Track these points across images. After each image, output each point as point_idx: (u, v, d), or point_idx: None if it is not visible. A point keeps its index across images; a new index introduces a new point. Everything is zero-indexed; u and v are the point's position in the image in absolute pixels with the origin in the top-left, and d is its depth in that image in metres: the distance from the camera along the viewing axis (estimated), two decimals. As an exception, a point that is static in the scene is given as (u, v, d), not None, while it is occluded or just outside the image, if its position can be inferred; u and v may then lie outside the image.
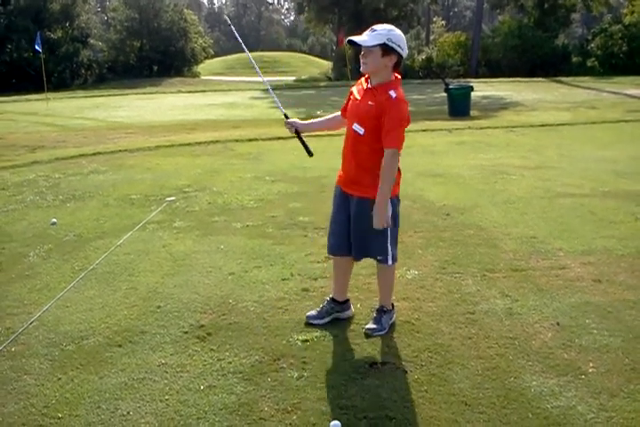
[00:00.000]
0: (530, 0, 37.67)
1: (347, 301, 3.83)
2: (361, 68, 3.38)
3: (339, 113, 3.74)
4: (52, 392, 3.10)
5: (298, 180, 7.73)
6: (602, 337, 3.52)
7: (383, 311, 3.71)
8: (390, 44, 3.24)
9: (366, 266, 4.66)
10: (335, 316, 3.75)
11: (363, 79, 3.52)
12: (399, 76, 3.39)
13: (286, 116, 3.88)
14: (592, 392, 2.97)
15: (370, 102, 3.34)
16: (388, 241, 3.55)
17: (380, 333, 3.59)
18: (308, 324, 3.69)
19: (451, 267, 4.67)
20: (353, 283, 4.30)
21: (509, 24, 35.89)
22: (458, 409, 2.85)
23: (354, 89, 3.57)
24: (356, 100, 3.48)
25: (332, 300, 3.78)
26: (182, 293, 4.27)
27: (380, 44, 3.23)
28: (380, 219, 3.34)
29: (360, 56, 3.35)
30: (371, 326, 3.63)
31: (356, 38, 3.29)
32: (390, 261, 3.60)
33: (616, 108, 15.90)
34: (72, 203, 7.02)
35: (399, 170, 3.43)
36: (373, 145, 3.34)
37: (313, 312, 3.75)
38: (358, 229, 3.52)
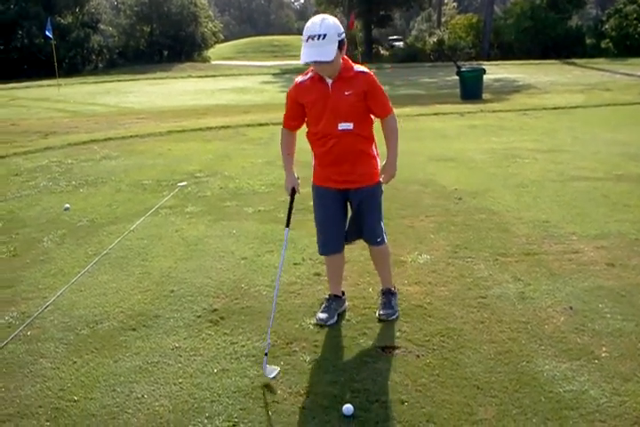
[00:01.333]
0: (543, -20, 37.07)
1: (343, 293, 3.81)
2: (323, 74, 3.22)
3: (288, 131, 3.52)
4: (67, 375, 3.14)
5: (308, 164, 7.62)
6: (615, 321, 3.50)
7: (391, 293, 3.73)
8: (341, 36, 3.15)
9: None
10: (339, 311, 3.71)
11: (307, 78, 3.32)
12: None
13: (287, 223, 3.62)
14: (605, 377, 2.97)
15: (346, 92, 3.24)
16: (382, 222, 3.63)
17: (394, 316, 3.60)
18: (323, 326, 3.53)
19: (462, 251, 4.66)
20: (363, 267, 4.33)
21: (522, 5, 35.36)
22: (470, 393, 2.86)
23: (297, 95, 3.34)
24: (322, 100, 3.26)
25: (335, 296, 3.73)
26: (195, 277, 4.29)
27: (337, 46, 3.12)
28: (392, 176, 3.46)
29: (316, 66, 3.19)
30: (385, 311, 3.63)
31: (317, 57, 3.07)
32: (386, 240, 3.67)
33: (630, 90, 15.69)
34: (85, 188, 7.06)
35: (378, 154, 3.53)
36: (362, 133, 3.36)
37: (323, 315, 3.57)
38: (367, 215, 3.52)
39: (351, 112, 3.27)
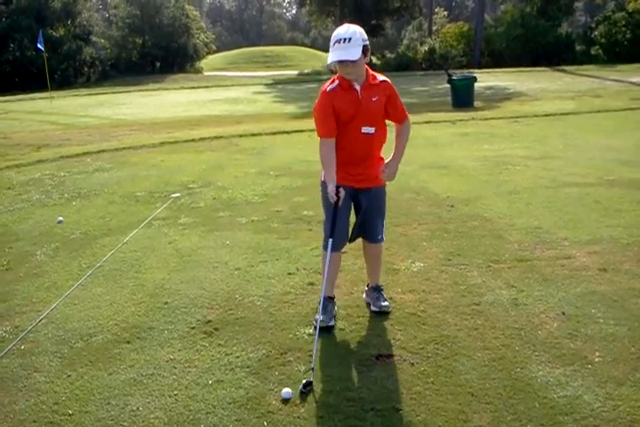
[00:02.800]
0: (532, -12, 37.39)
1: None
2: (348, 78, 3.40)
3: (332, 142, 3.52)
4: (62, 389, 3.13)
5: (302, 174, 7.72)
6: (608, 326, 3.52)
7: (381, 289, 3.89)
8: (366, 42, 3.36)
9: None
10: (334, 313, 3.77)
11: (335, 86, 3.44)
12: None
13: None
14: (598, 381, 2.98)
15: (373, 98, 3.45)
16: (385, 221, 3.89)
17: (391, 307, 3.78)
18: (322, 327, 3.50)
19: (456, 258, 4.68)
20: (357, 276, 4.35)
21: (512, 13, 35.67)
22: (464, 400, 2.87)
23: (332, 102, 3.44)
24: (354, 106, 3.42)
25: (331, 298, 3.78)
26: (189, 288, 4.29)
27: (361, 50, 3.32)
28: (393, 174, 3.62)
29: (342, 68, 3.38)
30: (385, 302, 3.77)
31: (343, 56, 3.29)
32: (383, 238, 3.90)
33: (620, 97, 15.81)
34: (78, 201, 7.05)
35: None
36: (380, 137, 3.61)
37: (323, 317, 3.56)
38: (375, 214, 3.74)
39: (376, 117, 3.51)
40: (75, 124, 14.84)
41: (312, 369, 3.07)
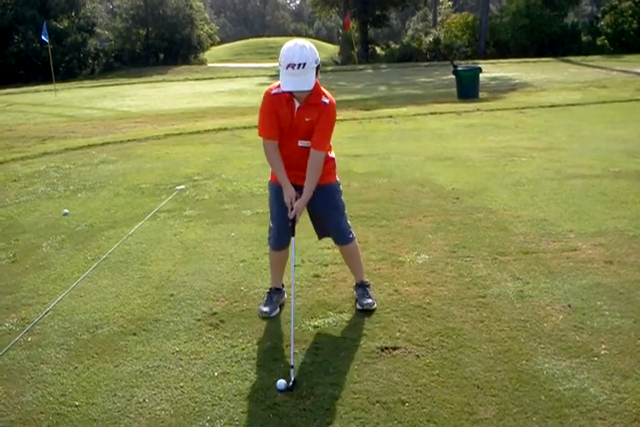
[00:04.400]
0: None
1: (282, 286, 3.93)
2: (298, 97, 3.33)
3: (274, 144, 3.47)
4: (68, 381, 3.14)
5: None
6: (614, 319, 3.51)
7: (368, 286, 3.86)
8: (318, 62, 3.28)
9: (375, 251, 4.69)
10: (280, 303, 3.84)
11: (279, 93, 3.34)
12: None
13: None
14: (604, 374, 2.98)
15: (307, 119, 3.38)
16: (346, 219, 3.76)
17: (375, 305, 3.72)
18: (266, 318, 3.68)
19: (461, 251, 4.67)
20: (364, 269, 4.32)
21: (517, 3, 35.37)
22: (470, 392, 2.87)
23: (275, 104, 3.38)
24: (288, 120, 3.38)
25: (276, 289, 3.86)
26: (194, 280, 4.30)
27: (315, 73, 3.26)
28: (298, 211, 3.50)
29: (294, 93, 3.30)
30: (369, 300, 3.73)
31: (298, 86, 3.21)
32: (354, 236, 3.80)
33: (627, 87, 15.71)
34: (83, 193, 7.06)
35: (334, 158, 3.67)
36: None
37: (266, 308, 3.72)
38: (332, 211, 3.68)
39: (309, 133, 3.43)
40: (79, 117, 14.84)
41: (292, 366, 3.06)
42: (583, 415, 2.68)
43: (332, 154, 3.61)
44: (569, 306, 3.69)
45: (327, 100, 3.40)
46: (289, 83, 3.22)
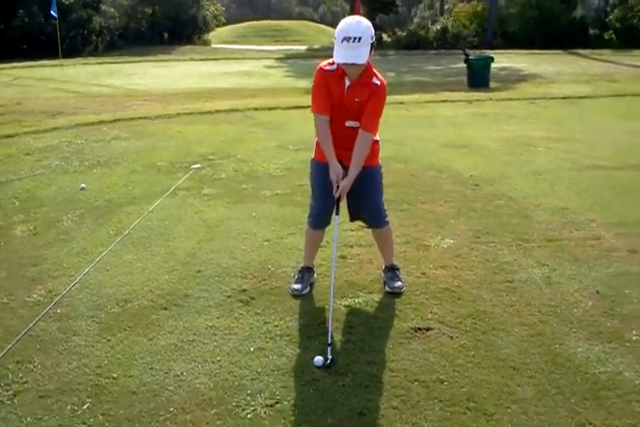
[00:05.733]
0: (548, -31, 36.72)
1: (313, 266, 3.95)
2: (351, 74, 3.30)
3: (325, 119, 3.44)
4: (103, 353, 3.16)
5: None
6: (643, 307, 3.54)
7: (397, 269, 3.87)
8: (374, 39, 3.25)
9: (399, 235, 4.68)
10: (311, 282, 3.85)
11: (333, 69, 3.34)
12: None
13: None
14: (638, 359, 3.02)
15: (356, 99, 3.36)
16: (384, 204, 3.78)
17: (404, 288, 3.74)
18: (296, 295, 3.70)
19: (485, 236, 4.68)
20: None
21: (527, -6, 35.09)
22: (507, 373, 2.90)
23: (327, 79, 3.38)
24: (338, 98, 3.37)
25: (308, 268, 3.88)
26: (220, 258, 4.30)
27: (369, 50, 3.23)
28: (344, 189, 3.47)
29: (347, 67, 3.27)
30: (399, 283, 3.75)
31: (351, 59, 3.17)
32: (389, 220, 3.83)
33: (637, 81, 15.65)
34: (98, 169, 7.03)
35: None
36: None
37: (297, 286, 3.74)
38: (373, 193, 3.67)
39: (358, 114, 3.41)
40: (88, 93, 14.70)
41: (329, 344, 3.06)
42: (620, 398, 2.72)
43: (377, 137, 3.58)
44: (597, 293, 3.71)
45: (379, 82, 3.37)
46: (343, 55, 3.20)
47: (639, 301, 3.61)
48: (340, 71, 3.34)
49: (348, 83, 3.36)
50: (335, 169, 3.45)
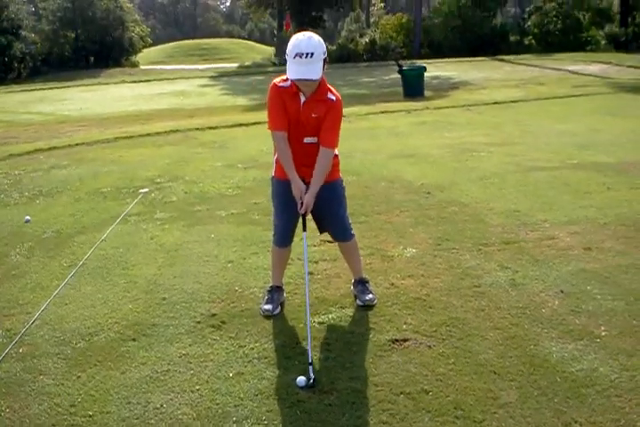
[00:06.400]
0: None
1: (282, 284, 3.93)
2: (305, 90, 3.29)
3: (283, 136, 3.41)
4: (74, 391, 3.02)
5: (270, 166, 7.58)
6: (606, 302, 3.65)
7: (367, 282, 3.86)
8: (325, 55, 3.25)
9: (362, 247, 4.67)
10: (281, 301, 3.80)
11: (286, 86, 3.34)
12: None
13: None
14: (610, 354, 3.10)
15: (313, 115, 3.36)
16: (348, 217, 3.79)
17: (376, 300, 3.74)
18: (268, 316, 3.64)
19: (445, 243, 4.75)
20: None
21: (449, 4, 36.22)
22: (489, 379, 2.93)
23: (282, 96, 3.36)
24: (294, 115, 3.37)
25: (277, 287, 3.83)
26: (184, 283, 4.20)
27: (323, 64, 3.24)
28: (307, 206, 3.45)
29: (300, 84, 3.26)
30: (370, 296, 3.74)
31: (305, 75, 3.17)
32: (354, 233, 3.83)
33: (562, 84, 16.36)
34: (41, 199, 6.79)
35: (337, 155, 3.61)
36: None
37: (268, 306, 3.68)
38: (336, 207, 3.67)
39: (316, 130, 3.41)
40: (18, 122, 14.24)
41: (310, 364, 3.02)
42: (600, 394, 2.78)
43: (336, 151, 3.58)
44: (561, 292, 3.81)
45: (334, 97, 3.38)
46: (296, 71, 3.19)
47: (602, 297, 3.72)
48: (295, 88, 3.33)
49: (303, 99, 3.35)
50: (297, 184, 3.43)
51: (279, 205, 3.70)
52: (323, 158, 3.41)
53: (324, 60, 3.24)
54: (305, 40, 3.21)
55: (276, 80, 3.43)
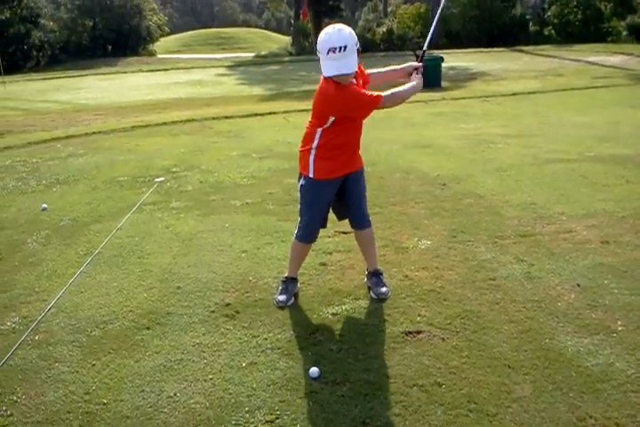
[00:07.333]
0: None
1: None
2: (344, 83, 3.24)
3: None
4: (89, 379, 3.04)
5: (286, 156, 7.63)
6: (623, 296, 3.61)
7: (381, 273, 3.85)
8: (357, 46, 3.21)
9: (376, 238, 4.66)
10: (295, 292, 3.80)
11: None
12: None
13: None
14: (626, 349, 3.06)
15: None
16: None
17: (390, 293, 3.73)
18: (282, 307, 3.64)
19: (460, 235, 4.71)
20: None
21: (467, -6, 35.78)
22: (503, 372, 2.91)
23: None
24: None
25: (292, 279, 3.81)
26: (199, 272, 4.22)
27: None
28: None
29: (337, 78, 3.21)
30: (384, 289, 3.72)
31: (343, 70, 3.14)
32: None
33: (582, 75, 16.12)
34: (58, 187, 6.83)
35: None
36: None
37: (282, 297, 3.68)
38: (361, 196, 3.73)
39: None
40: (35, 110, 14.33)
41: None
42: (616, 389, 2.76)
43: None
44: (578, 285, 3.77)
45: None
46: (333, 68, 3.15)
47: (619, 291, 3.68)
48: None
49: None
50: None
51: (318, 205, 3.64)
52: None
53: (358, 50, 3.19)
54: (335, 33, 3.15)
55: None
